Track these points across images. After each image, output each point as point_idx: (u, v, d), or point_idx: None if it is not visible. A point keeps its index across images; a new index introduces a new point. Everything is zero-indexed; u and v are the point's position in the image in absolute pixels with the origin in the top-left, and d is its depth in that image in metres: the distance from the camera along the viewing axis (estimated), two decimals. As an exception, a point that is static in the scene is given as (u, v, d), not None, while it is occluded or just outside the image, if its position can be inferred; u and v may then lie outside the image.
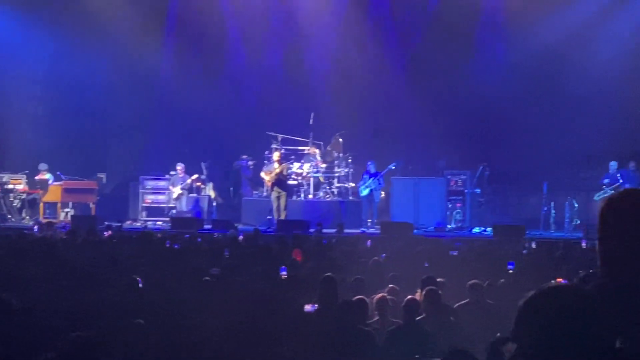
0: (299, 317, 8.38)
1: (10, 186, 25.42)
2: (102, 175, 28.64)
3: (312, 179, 25.39)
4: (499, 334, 5.30)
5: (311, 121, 25.79)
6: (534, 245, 17.14)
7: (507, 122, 26.14)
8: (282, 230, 20.50)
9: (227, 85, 29.12)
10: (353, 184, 25.25)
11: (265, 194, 25.24)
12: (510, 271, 12.08)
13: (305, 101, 27.50)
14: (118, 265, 12.25)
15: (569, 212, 23.33)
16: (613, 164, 23.17)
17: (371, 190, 24.21)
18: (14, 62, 28.03)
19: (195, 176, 26.00)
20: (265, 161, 25.25)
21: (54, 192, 25.35)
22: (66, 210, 25.57)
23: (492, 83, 26.60)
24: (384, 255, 13.99)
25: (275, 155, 24.09)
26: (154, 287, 10.15)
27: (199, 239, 17.57)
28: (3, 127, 27.34)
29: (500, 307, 9.21)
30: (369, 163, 24.47)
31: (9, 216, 25.09)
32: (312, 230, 20.41)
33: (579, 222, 22.93)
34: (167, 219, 24.83)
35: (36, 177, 25.65)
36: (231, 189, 28.29)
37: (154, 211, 26.39)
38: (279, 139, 25.65)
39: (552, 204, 23.65)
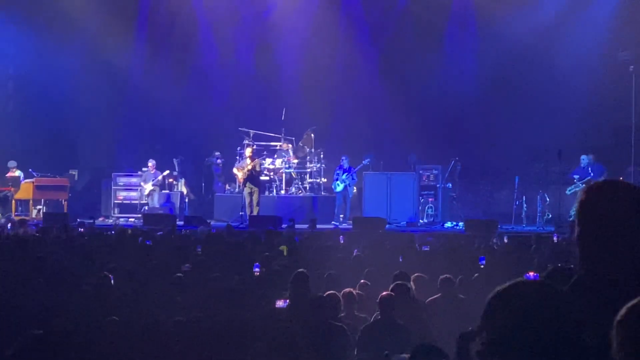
0: (270, 313, 8.39)
1: (-19, 184, 25.30)
2: (74, 172, 28.55)
3: (284, 175, 25.40)
4: (470, 328, 5.32)
5: (283, 117, 25.81)
6: (505, 240, 17.19)
7: (478, 117, 26.32)
8: (255, 226, 20.47)
9: (198, 82, 29.06)
10: (325, 180, 25.27)
11: (237, 190, 25.19)
12: (482, 266, 12.12)
13: (276, 97, 27.58)
14: (90, 262, 12.23)
15: (540, 206, 23.44)
16: (584, 158, 23.28)
17: (345, 186, 24.18)
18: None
19: (166, 172, 25.92)
20: (238, 157, 25.23)
21: (25, 190, 25.20)
22: (38, 207, 25.44)
23: (463, 78, 26.79)
24: (356, 250, 14.02)
25: (248, 151, 24.05)
26: (126, 284, 10.15)
27: (172, 236, 17.53)
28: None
29: (472, 302, 9.24)
30: (342, 158, 24.35)
31: (-19, 214, 24.94)
32: (284, 226, 20.40)
33: (550, 216, 23.03)
34: (140, 215, 24.73)
35: (7, 175, 25.49)
36: (203, 184, 28.24)
37: (126, 208, 26.31)
38: (251, 134, 25.66)
39: (524, 198, 23.74)
